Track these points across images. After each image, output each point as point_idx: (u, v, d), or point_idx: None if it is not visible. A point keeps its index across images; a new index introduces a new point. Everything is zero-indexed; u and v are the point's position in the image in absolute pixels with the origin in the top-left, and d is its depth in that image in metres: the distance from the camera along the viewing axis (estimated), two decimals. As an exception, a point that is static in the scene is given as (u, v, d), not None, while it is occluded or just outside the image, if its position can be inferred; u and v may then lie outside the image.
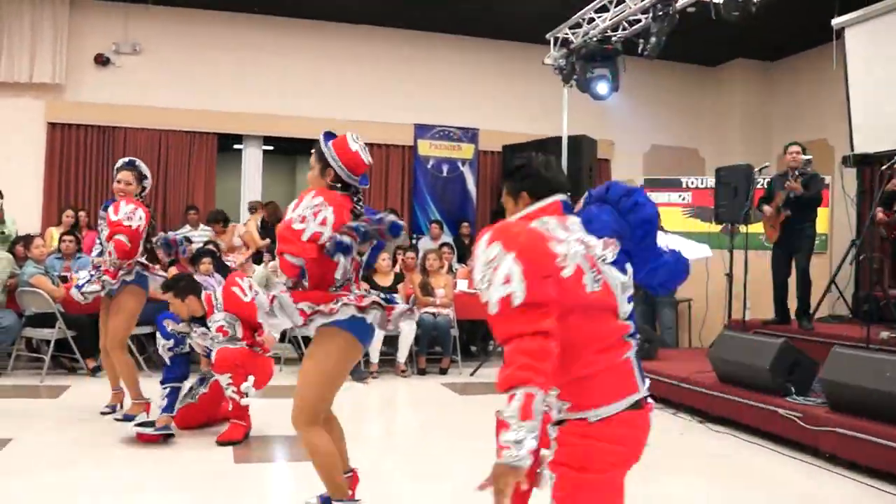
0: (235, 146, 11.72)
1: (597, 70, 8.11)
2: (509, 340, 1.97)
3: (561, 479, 2.20)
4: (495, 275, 1.99)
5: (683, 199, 10.35)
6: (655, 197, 10.08)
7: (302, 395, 3.42)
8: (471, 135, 11.68)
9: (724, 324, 8.00)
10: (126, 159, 5.82)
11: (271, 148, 12.38)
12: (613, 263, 2.23)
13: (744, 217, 7.74)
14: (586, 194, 2.46)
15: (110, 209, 5.54)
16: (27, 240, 7.79)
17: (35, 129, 10.14)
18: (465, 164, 11.66)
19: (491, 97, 11.70)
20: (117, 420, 5.64)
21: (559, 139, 8.75)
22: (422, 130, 11.49)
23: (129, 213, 5.50)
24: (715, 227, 8.64)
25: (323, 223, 3.32)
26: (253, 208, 10.18)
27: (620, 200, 2.34)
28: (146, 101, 10.42)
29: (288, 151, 14.86)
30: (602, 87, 8.15)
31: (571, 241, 2.16)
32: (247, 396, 5.10)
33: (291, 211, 3.37)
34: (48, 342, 7.36)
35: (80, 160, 10.26)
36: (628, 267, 2.30)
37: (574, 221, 2.27)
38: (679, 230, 9.44)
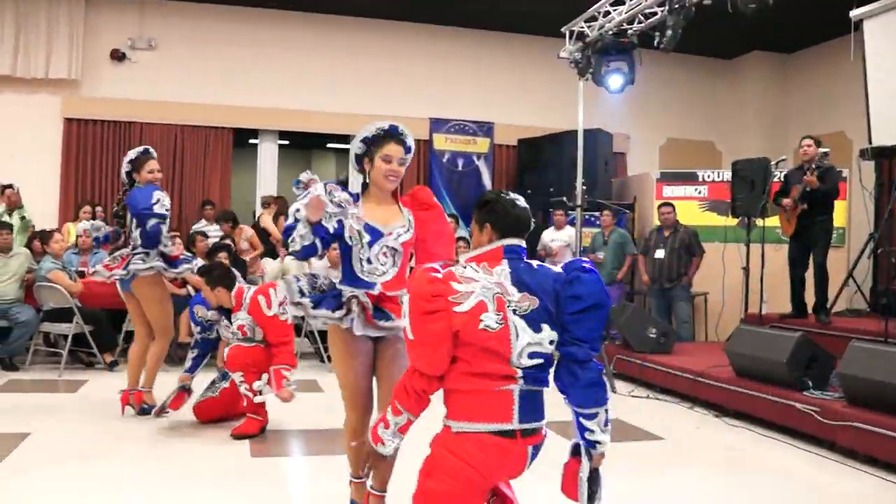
0: (251, 141, 11.77)
1: (612, 63, 8.06)
2: (411, 365, 2.45)
3: (418, 482, 2.46)
4: (404, 310, 2.44)
5: (700, 192, 10.31)
6: (671, 191, 10.21)
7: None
8: (486, 129, 11.66)
9: (740, 318, 7.96)
10: (140, 149, 5.57)
11: (287, 142, 12.41)
12: (526, 318, 2.38)
13: (760, 211, 7.70)
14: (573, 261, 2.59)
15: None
16: (45, 234, 7.84)
17: (51, 124, 10.21)
18: (481, 158, 11.64)
19: (506, 91, 11.68)
20: (143, 414, 5.60)
21: (574, 133, 8.70)
22: (437, 124, 11.48)
23: None
24: (731, 221, 8.60)
25: None
26: (266, 203, 10.26)
27: (571, 272, 2.47)
28: (162, 96, 10.47)
29: (303, 146, 14.90)
30: (617, 81, 8.09)
31: (486, 281, 2.40)
32: (260, 395, 5.06)
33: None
34: (66, 337, 7.43)
35: (97, 155, 10.34)
36: (545, 328, 2.40)
37: (501, 270, 2.45)
38: (696, 224, 9.42)
